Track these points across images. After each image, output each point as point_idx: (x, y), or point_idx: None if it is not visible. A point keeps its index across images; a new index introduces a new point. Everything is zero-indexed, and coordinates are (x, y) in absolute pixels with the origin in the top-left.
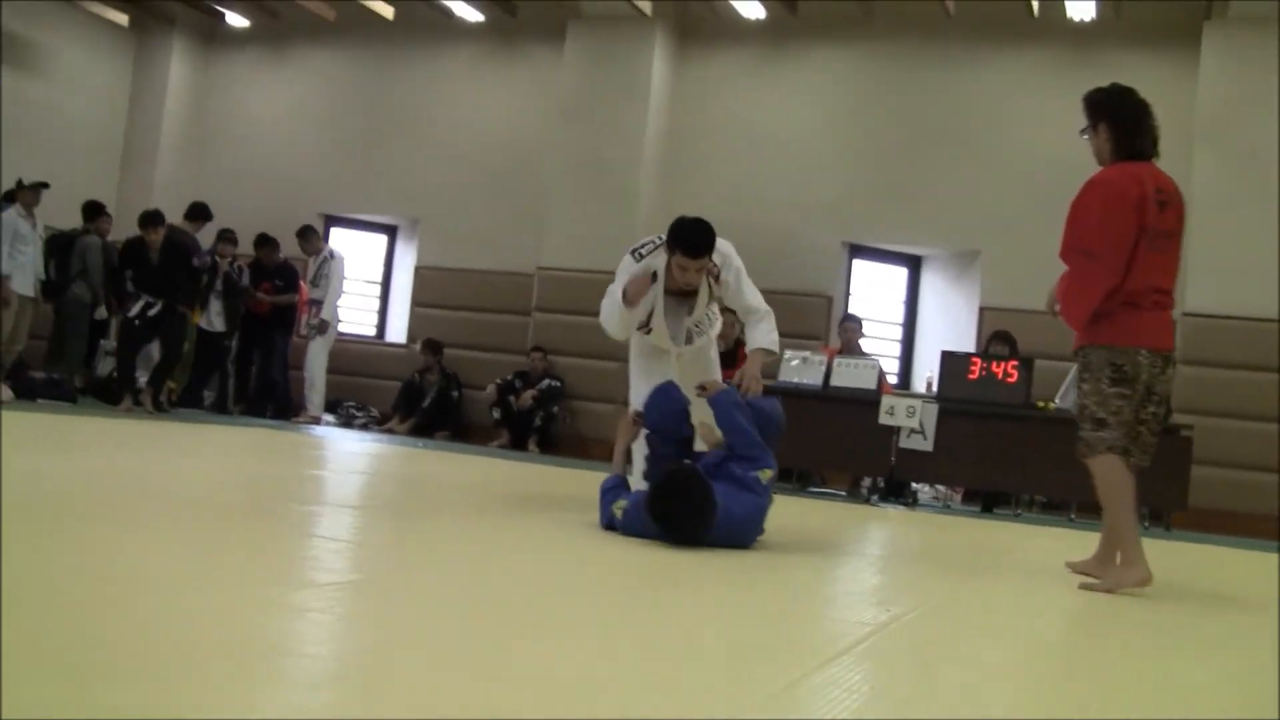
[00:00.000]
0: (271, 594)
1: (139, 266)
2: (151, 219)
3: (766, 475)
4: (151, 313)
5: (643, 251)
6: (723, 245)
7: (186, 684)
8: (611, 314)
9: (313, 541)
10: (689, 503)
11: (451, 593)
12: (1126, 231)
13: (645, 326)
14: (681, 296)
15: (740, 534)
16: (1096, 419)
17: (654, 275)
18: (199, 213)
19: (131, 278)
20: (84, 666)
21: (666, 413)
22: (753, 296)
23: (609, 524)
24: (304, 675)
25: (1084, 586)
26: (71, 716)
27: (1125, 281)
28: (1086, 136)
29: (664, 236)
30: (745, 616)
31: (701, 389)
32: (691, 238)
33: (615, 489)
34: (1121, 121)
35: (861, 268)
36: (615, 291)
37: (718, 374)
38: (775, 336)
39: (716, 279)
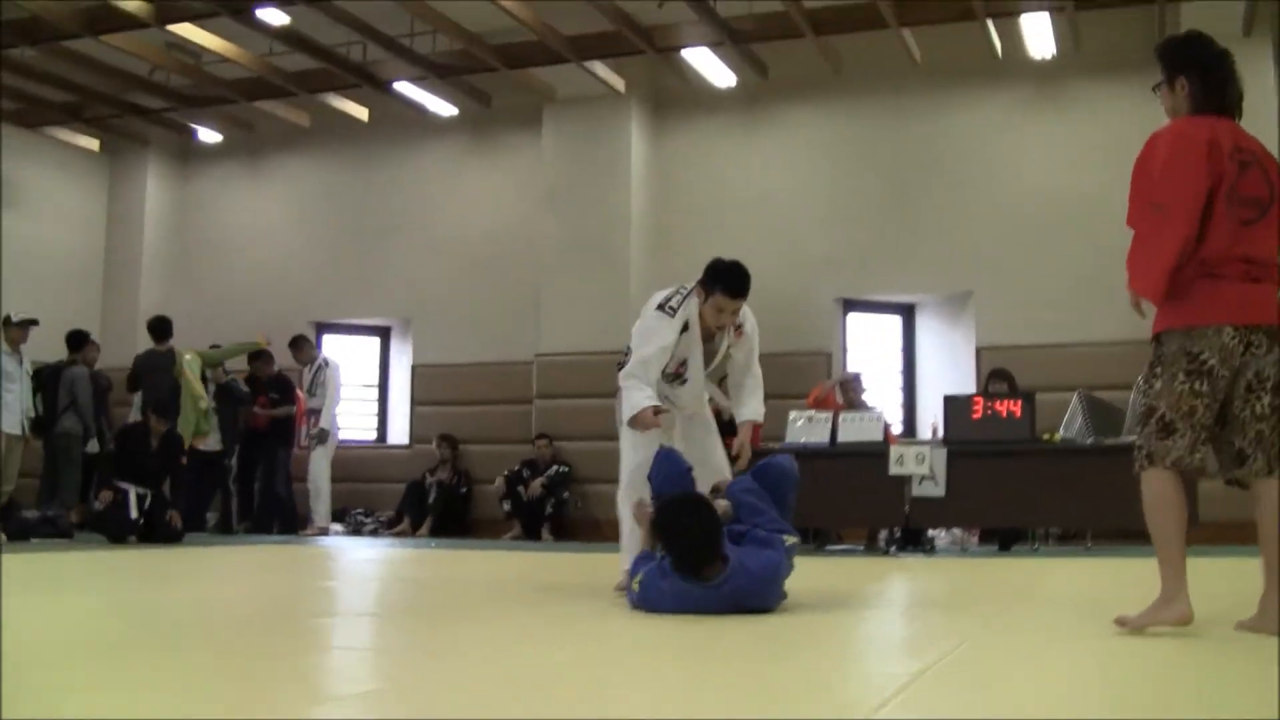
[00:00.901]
0: (295, 707)
1: (137, 456)
2: (161, 407)
3: (791, 540)
4: (146, 504)
5: (673, 305)
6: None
7: None
8: (630, 401)
9: (332, 653)
10: (694, 517)
11: (478, 691)
12: (1197, 177)
13: (680, 379)
14: (707, 345)
15: (760, 590)
16: (1164, 423)
17: (685, 325)
18: (163, 329)
19: (120, 465)
20: None
21: (670, 476)
22: (755, 362)
23: (635, 601)
24: None
25: (1118, 621)
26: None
27: (1201, 246)
28: (1159, 93)
29: (688, 285)
30: (781, 681)
31: (715, 490)
32: (734, 278)
33: (643, 559)
34: (1208, 72)
35: (856, 320)
36: (641, 378)
37: (716, 437)
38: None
39: (738, 330)
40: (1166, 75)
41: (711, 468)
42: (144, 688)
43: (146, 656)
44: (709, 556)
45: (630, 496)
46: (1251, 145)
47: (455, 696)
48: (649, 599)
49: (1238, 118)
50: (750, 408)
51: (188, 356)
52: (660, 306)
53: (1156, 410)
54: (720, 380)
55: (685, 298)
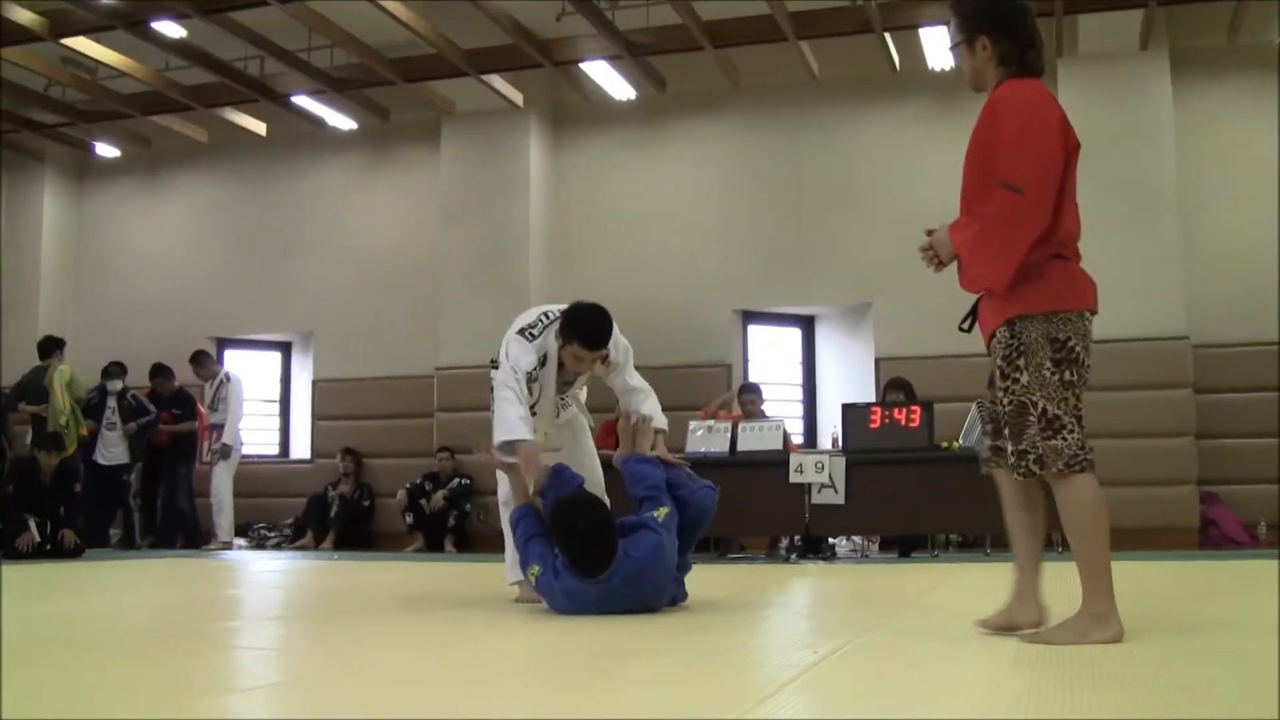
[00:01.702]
0: (201, 702)
1: (29, 487)
2: (49, 441)
3: (662, 512)
4: (46, 530)
5: (534, 332)
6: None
7: None
8: (506, 416)
9: (237, 652)
10: (588, 519)
11: (378, 687)
12: (1055, 159)
13: (533, 408)
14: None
15: (647, 573)
16: (1049, 419)
17: (543, 359)
18: (46, 347)
19: (18, 498)
20: None
21: (563, 490)
22: (634, 376)
23: (523, 558)
24: None
25: (1030, 639)
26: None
27: (1065, 225)
28: (957, 55)
29: (553, 313)
30: (678, 668)
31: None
32: (590, 329)
33: (526, 519)
34: (1013, 29)
35: (756, 332)
36: (514, 390)
37: (589, 439)
38: (661, 413)
39: (604, 361)
40: (965, 35)
41: (584, 474)
42: (47, 689)
43: (48, 661)
44: (605, 557)
45: (507, 511)
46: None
47: (356, 691)
48: (544, 596)
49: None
50: (648, 410)
51: (61, 367)
52: (521, 331)
53: (1035, 405)
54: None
55: (545, 329)
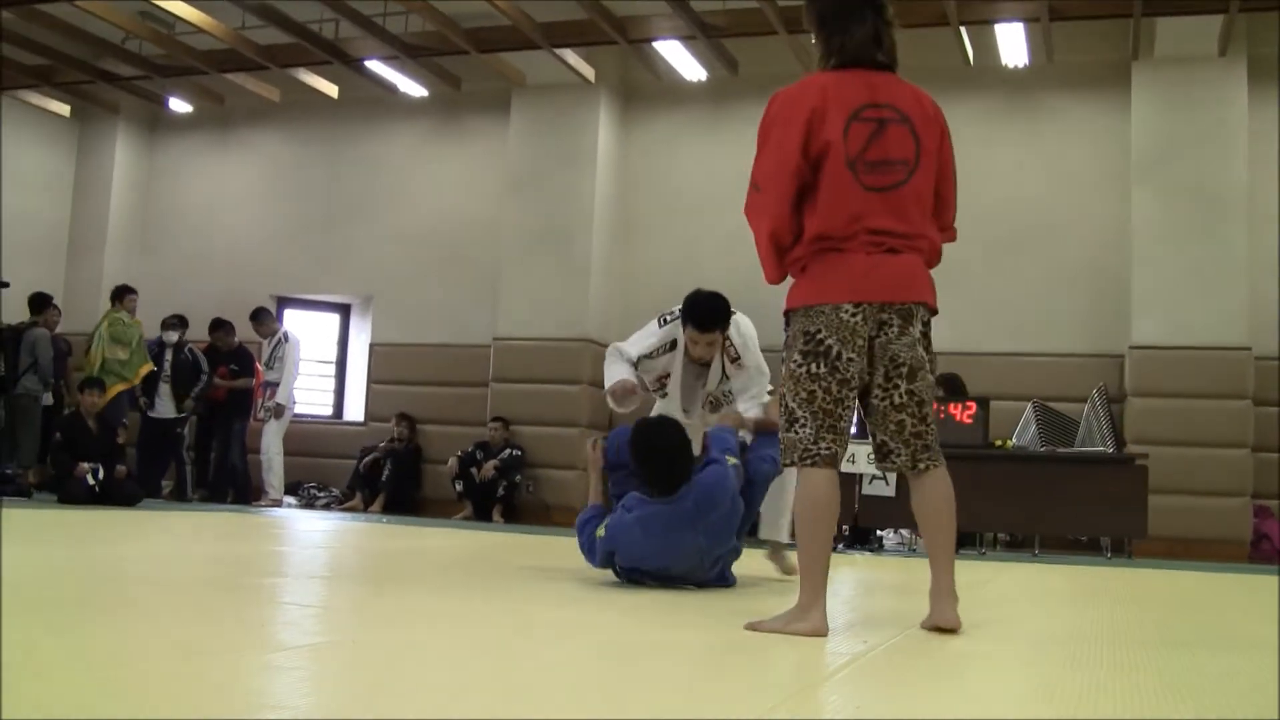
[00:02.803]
0: (240, 660)
1: (80, 441)
2: (89, 383)
3: (732, 461)
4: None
5: (667, 317)
6: (742, 322)
7: None
8: (610, 372)
9: (279, 610)
10: (664, 435)
11: (419, 653)
12: (787, 155)
13: (661, 390)
14: (700, 367)
15: (721, 501)
16: (789, 412)
17: (674, 343)
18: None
19: (69, 447)
20: None
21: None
22: (756, 381)
23: (590, 547)
24: None
25: (749, 626)
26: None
27: (817, 221)
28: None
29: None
30: (725, 653)
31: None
32: (700, 312)
33: (595, 518)
34: (824, 23)
35: None
36: (621, 352)
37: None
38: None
39: (734, 360)
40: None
41: None
42: (100, 634)
43: (90, 611)
44: (682, 472)
45: None
46: (898, 99)
47: (391, 658)
48: (617, 538)
49: (882, 66)
50: (742, 406)
51: (114, 314)
52: (660, 316)
53: (784, 399)
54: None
55: (677, 318)
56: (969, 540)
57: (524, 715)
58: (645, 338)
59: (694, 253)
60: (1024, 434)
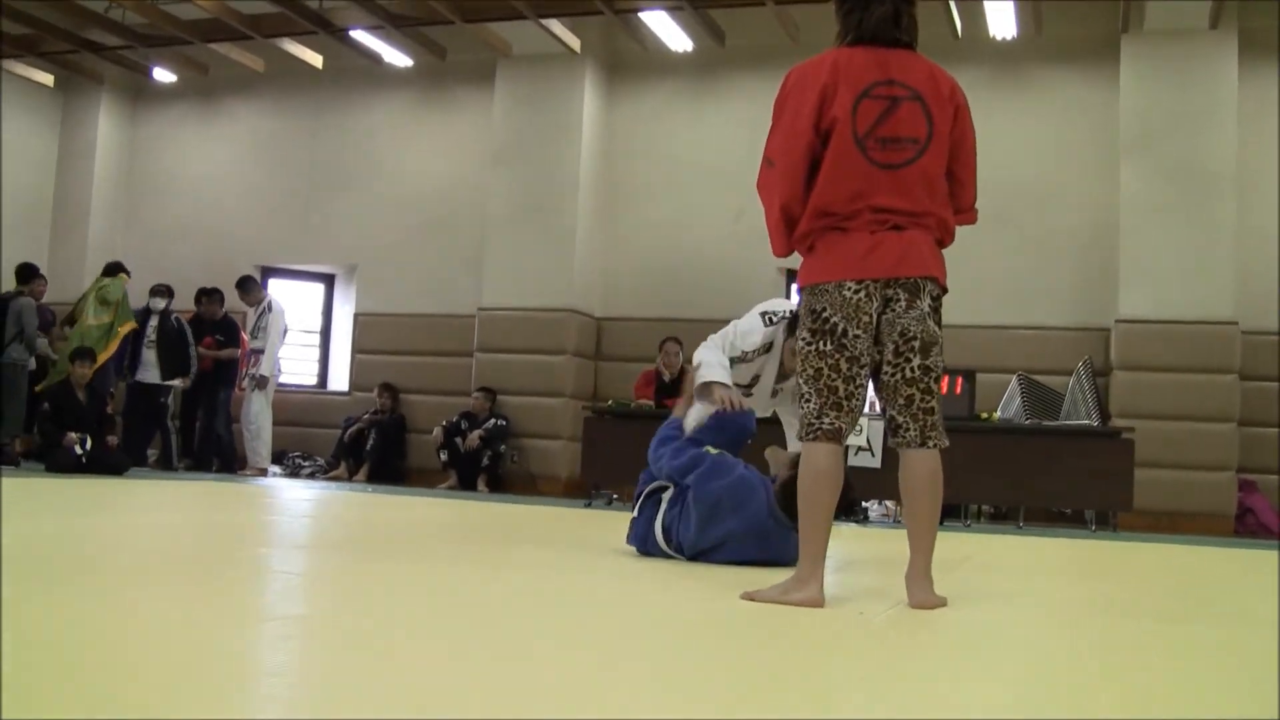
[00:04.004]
0: (224, 633)
1: (69, 410)
2: (80, 353)
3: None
4: (87, 445)
5: (773, 317)
6: None
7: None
8: (710, 371)
9: (265, 581)
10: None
11: (408, 624)
12: (797, 131)
13: (747, 391)
14: (786, 374)
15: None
16: (800, 389)
17: (770, 345)
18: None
19: (56, 417)
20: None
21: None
22: None
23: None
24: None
25: (745, 596)
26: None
27: (823, 198)
28: None
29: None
30: (724, 620)
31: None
32: None
33: (675, 437)
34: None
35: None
36: (714, 346)
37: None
38: None
39: None
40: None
41: None
42: (90, 606)
43: (76, 581)
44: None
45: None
46: (912, 77)
47: (379, 629)
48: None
49: (901, 44)
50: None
51: (105, 282)
52: (763, 313)
53: (797, 376)
54: None
55: (782, 319)
56: (954, 512)
57: (514, 686)
58: (749, 334)
59: (680, 224)
60: (1009, 407)
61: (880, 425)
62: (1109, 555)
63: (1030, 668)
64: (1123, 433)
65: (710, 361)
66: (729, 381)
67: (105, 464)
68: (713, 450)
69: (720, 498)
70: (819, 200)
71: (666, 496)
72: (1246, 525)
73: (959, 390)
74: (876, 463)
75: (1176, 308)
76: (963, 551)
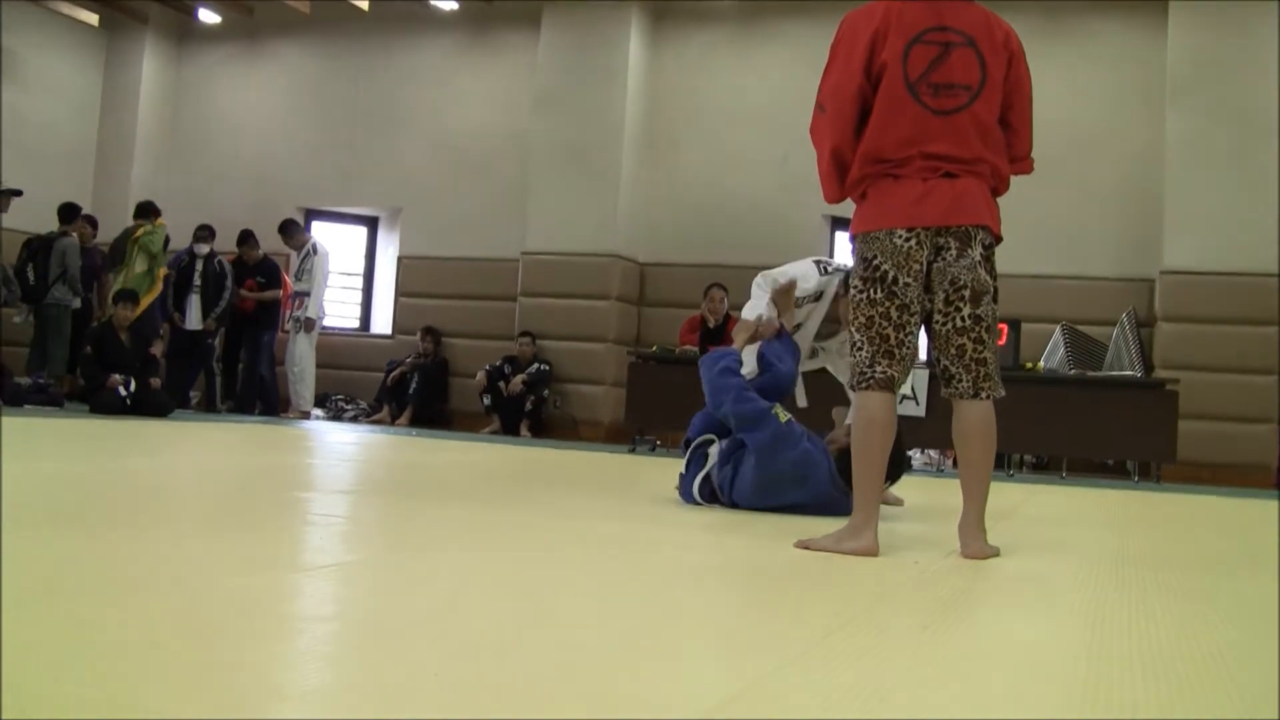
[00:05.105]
0: (263, 578)
1: (109, 347)
2: (122, 295)
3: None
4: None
5: (827, 267)
6: None
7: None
8: (755, 305)
9: (307, 527)
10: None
11: (450, 574)
12: (850, 75)
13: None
14: (833, 325)
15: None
16: (852, 337)
17: (821, 295)
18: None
19: (100, 360)
20: (119, 647)
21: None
22: None
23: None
24: (321, 645)
25: (800, 544)
26: (77, 716)
27: (876, 144)
28: None
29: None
30: (780, 569)
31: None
32: None
33: (736, 371)
34: None
35: (844, 238)
36: (770, 286)
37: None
38: None
39: None
40: None
41: None
42: (129, 549)
43: (132, 522)
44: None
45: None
46: (966, 23)
47: (420, 579)
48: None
49: None
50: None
51: (148, 227)
52: (818, 261)
53: (850, 324)
54: None
55: (838, 271)
56: (998, 461)
57: (559, 640)
58: (802, 280)
59: (724, 169)
60: (1053, 357)
61: (925, 374)
62: (1154, 506)
63: (1086, 616)
64: (1167, 384)
65: (757, 304)
66: (762, 312)
67: (149, 405)
68: (781, 414)
69: (785, 472)
70: (870, 146)
71: (714, 451)
72: None
73: (1003, 340)
74: (921, 411)
75: (1220, 259)
76: (1010, 502)
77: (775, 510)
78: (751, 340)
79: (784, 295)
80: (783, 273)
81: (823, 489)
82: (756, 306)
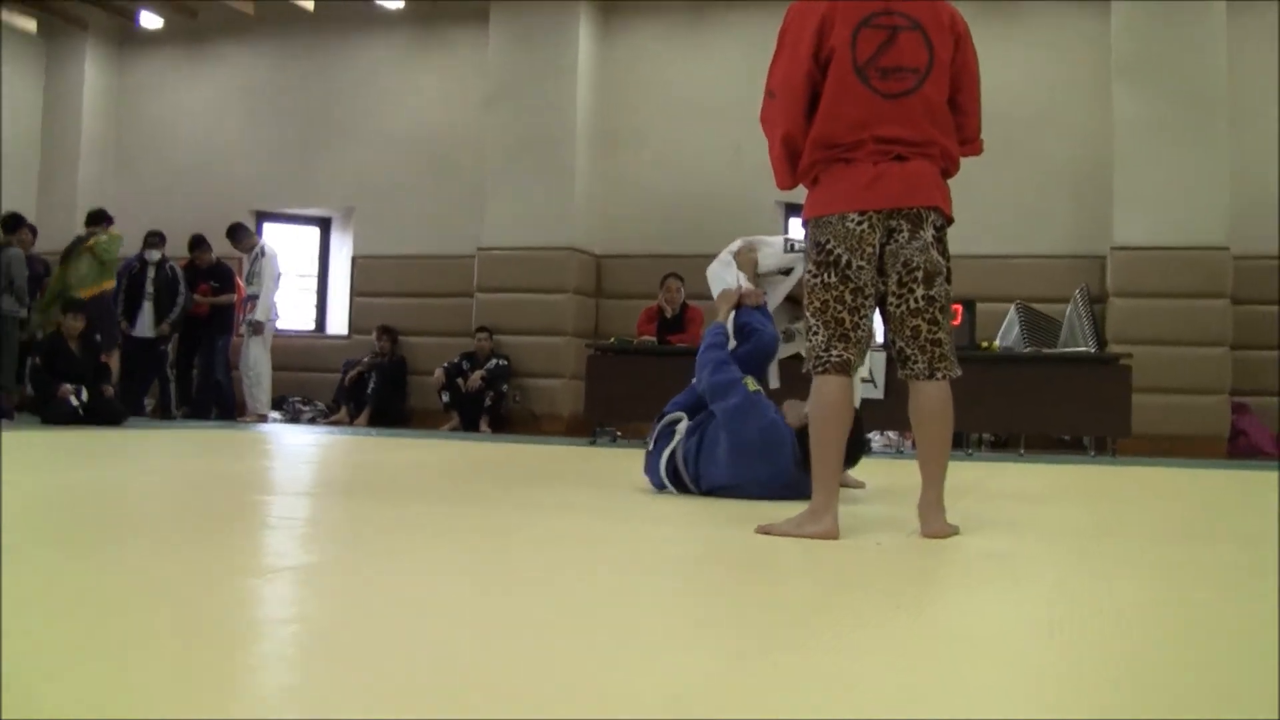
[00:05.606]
0: (236, 580)
1: (59, 357)
2: (70, 304)
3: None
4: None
5: (796, 245)
6: None
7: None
8: (725, 277)
9: (267, 530)
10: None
11: (413, 574)
12: (798, 61)
13: None
14: (798, 306)
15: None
16: (808, 320)
17: (789, 272)
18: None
19: (50, 370)
20: (76, 655)
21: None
22: None
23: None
24: (285, 650)
25: (761, 529)
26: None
27: (820, 126)
28: None
29: None
30: (743, 555)
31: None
32: None
33: (723, 345)
34: None
35: (797, 224)
36: (727, 260)
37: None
38: None
39: None
40: None
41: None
42: (85, 558)
43: (78, 533)
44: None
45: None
46: (912, 7)
47: (383, 579)
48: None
49: None
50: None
51: (100, 237)
52: (786, 238)
53: (805, 309)
54: None
55: (803, 250)
56: (956, 441)
57: (522, 635)
58: (765, 257)
59: (678, 159)
60: (1008, 335)
61: (884, 357)
62: (1110, 480)
63: (1050, 592)
64: (1120, 359)
65: (720, 275)
66: (737, 283)
67: (102, 414)
68: (751, 384)
69: (754, 441)
70: (821, 131)
71: (681, 427)
72: (1239, 447)
73: (958, 320)
74: (879, 393)
75: (1170, 234)
76: (969, 480)
77: (740, 497)
78: (737, 307)
79: (744, 259)
80: (749, 240)
81: (787, 463)
82: (727, 278)
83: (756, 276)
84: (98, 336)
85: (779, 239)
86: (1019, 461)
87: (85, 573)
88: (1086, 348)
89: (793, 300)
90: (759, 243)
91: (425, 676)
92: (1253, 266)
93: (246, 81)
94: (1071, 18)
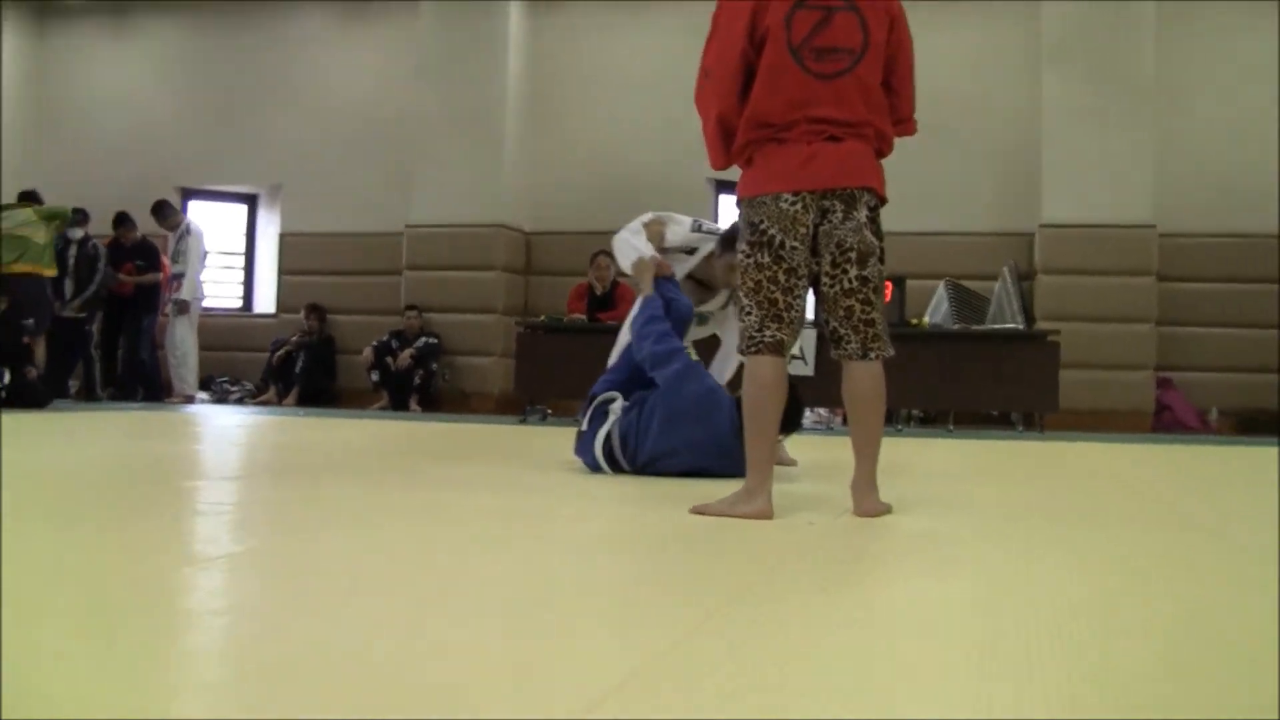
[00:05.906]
0: (164, 568)
1: None
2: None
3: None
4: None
5: (704, 226)
6: None
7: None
8: (637, 244)
9: (197, 517)
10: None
11: (344, 558)
12: (733, 40)
13: None
14: (702, 289)
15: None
16: (741, 301)
17: (693, 252)
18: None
19: None
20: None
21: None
22: None
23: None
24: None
25: (695, 510)
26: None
27: (755, 106)
28: None
29: (721, 230)
30: (677, 537)
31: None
32: None
33: (662, 318)
34: None
35: (728, 202)
36: (636, 229)
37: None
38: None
39: None
40: None
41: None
42: (10, 549)
43: (8, 518)
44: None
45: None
46: None
47: (315, 564)
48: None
49: None
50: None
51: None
52: (694, 219)
53: (738, 289)
54: None
55: (714, 232)
56: (886, 417)
57: (456, 613)
58: (673, 233)
59: (607, 137)
60: (938, 312)
61: (813, 334)
62: (1039, 456)
63: (981, 572)
64: (1048, 335)
65: (637, 246)
66: (649, 252)
67: (25, 397)
68: (692, 354)
69: (690, 403)
70: (755, 111)
71: (615, 407)
72: (1164, 421)
73: (889, 297)
74: (810, 370)
75: (1097, 212)
76: (901, 457)
77: (677, 469)
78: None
79: (652, 230)
80: (658, 215)
81: (723, 431)
82: (638, 245)
83: (663, 249)
84: (30, 321)
85: (688, 219)
86: (948, 438)
87: (4, 564)
88: (1015, 324)
89: (695, 280)
90: (668, 218)
91: (346, 665)
92: (1178, 244)
93: (171, 54)
94: (1001, 1)
